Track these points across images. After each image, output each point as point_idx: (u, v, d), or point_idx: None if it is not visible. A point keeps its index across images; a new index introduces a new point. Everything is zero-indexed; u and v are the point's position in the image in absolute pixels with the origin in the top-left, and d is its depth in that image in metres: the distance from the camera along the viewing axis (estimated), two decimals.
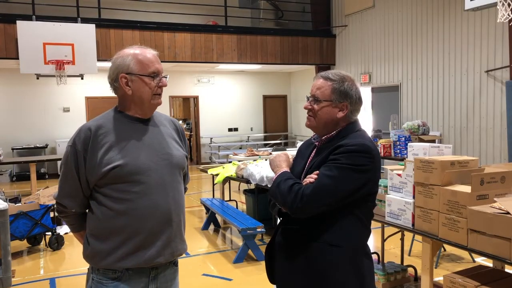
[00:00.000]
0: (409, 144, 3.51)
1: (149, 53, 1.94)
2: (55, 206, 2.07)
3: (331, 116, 1.91)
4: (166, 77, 1.97)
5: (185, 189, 2.19)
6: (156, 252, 1.90)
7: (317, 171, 1.84)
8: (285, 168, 1.97)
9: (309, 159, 1.99)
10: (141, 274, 1.91)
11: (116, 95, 1.97)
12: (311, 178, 1.83)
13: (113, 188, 1.86)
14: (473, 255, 4.73)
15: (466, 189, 2.76)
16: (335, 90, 1.90)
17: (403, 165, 3.31)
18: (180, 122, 18.77)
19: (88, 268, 1.98)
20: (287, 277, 1.93)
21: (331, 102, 1.90)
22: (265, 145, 14.22)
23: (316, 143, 2.00)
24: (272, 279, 2.08)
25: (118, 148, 1.87)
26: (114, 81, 1.93)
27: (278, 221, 2.07)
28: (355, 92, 1.92)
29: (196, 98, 13.99)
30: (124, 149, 1.88)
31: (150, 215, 1.88)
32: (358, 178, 1.80)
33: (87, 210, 1.98)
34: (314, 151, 1.99)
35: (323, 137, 1.96)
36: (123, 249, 1.86)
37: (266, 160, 6.90)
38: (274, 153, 8.73)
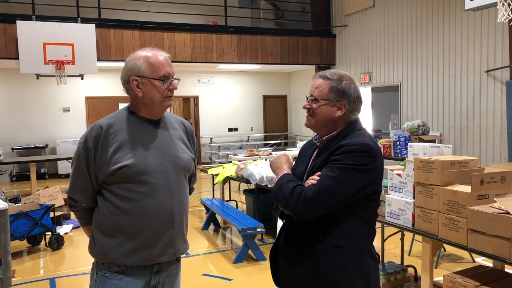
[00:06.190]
0: (409, 144, 3.51)
1: (161, 56, 1.96)
2: (67, 200, 2.13)
3: (329, 115, 1.90)
4: (177, 80, 2.01)
5: (192, 189, 2.25)
6: (158, 252, 1.96)
7: (319, 173, 1.82)
8: (286, 170, 1.95)
9: (311, 160, 1.96)
10: (144, 269, 1.96)
11: (128, 95, 2.02)
12: (313, 180, 1.81)
13: (120, 186, 1.91)
14: (473, 255, 4.73)
15: (466, 189, 2.76)
16: (333, 88, 1.89)
17: (403, 165, 3.31)
18: None
19: (92, 263, 2.03)
20: (293, 281, 1.90)
21: (328, 101, 1.89)
22: (265, 145, 14.22)
23: (318, 144, 1.98)
24: (277, 282, 2.05)
25: (127, 148, 1.92)
26: (126, 83, 1.98)
27: (279, 223, 2.05)
28: (354, 91, 1.90)
29: (196, 98, 13.99)
30: (133, 150, 1.92)
31: (154, 215, 1.93)
32: (360, 178, 1.77)
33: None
34: (315, 152, 1.97)
35: (324, 137, 1.94)
36: (126, 246, 1.91)
37: (266, 160, 6.90)
38: (274, 153, 8.73)
